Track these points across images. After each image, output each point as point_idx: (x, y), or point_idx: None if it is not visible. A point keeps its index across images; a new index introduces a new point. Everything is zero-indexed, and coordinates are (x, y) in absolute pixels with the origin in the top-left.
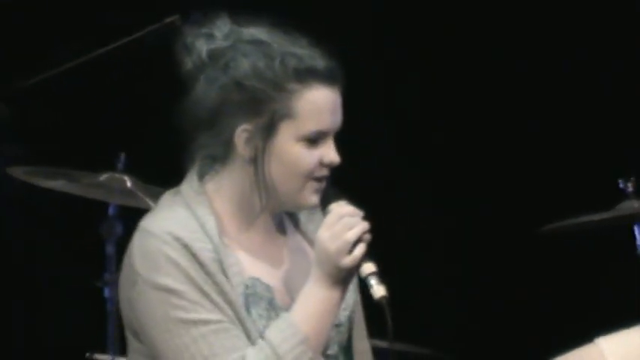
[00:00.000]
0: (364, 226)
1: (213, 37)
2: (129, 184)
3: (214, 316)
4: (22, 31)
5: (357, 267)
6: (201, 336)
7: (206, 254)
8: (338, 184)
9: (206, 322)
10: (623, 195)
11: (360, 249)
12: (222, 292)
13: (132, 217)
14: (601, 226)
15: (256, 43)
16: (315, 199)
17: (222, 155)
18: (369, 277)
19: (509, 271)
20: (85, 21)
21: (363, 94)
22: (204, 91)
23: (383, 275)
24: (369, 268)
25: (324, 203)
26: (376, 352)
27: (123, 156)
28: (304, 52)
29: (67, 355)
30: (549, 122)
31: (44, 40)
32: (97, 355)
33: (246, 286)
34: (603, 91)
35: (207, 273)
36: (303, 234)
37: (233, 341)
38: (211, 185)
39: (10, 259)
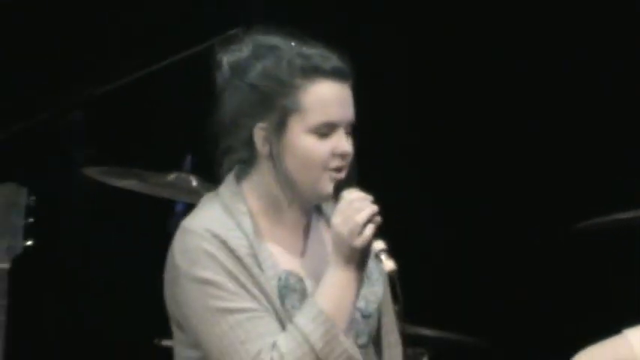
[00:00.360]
0: (373, 208)
1: (238, 51)
2: (194, 183)
3: (250, 304)
4: (96, 43)
5: (368, 246)
6: (237, 323)
7: (242, 249)
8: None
9: (242, 311)
10: None
11: (370, 229)
12: (257, 284)
13: None
14: (631, 223)
15: (270, 48)
16: (332, 188)
17: (248, 156)
18: (379, 254)
19: (542, 266)
20: (154, 32)
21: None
22: (228, 99)
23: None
24: (378, 245)
25: (337, 192)
26: (421, 339)
27: (189, 157)
28: (313, 52)
29: (136, 341)
30: (578, 124)
31: (116, 51)
32: (164, 341)
33: (280, 279)
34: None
35: (244, 266)
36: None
37: (267, 327)
38: (246, 185)
39: (84, 253)
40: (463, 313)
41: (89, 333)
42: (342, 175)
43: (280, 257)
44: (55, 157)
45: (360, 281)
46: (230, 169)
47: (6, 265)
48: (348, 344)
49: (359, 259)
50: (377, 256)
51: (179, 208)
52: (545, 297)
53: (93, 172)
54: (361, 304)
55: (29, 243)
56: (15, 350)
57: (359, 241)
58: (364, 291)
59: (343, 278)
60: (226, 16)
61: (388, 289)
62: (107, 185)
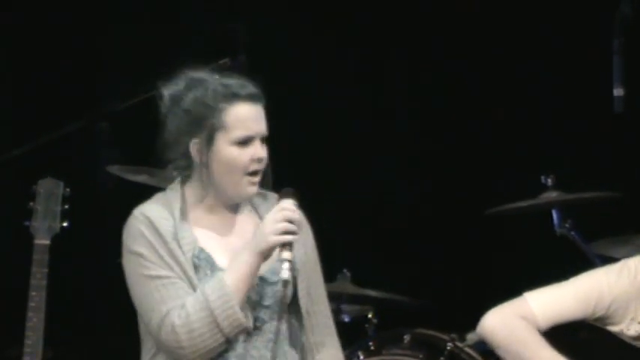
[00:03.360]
0: (292, 226)
1: (175, 85)
2: None
3: (166, 273)
4: (116, 73)
5: (278, 247)
6: (155, 287)
7: (166, 228)
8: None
9: (160, 277)
10: (544, 187)
11: (286, 237)
12: (173, 256)
13: None
14: (528, 210)
15: (199, 80)
16: (251, 190)
17: (187, 165)
18: (284, 262)
19: (462, 242)
20: (156, 62)
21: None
22: (169, 122)
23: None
24: (287, 255)
25: (283, 197)
26: (367, 299)
27: None
28: (232, 81)
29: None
30: (496, 130)
31: (130, 78)
32: None
33: (195, 254)
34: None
35: (164, 241)
36: (259, 214)
37: (178, 292)
38: (187, 186)
39: (108, 231)
40: (404, 279)
41: (108, 291)
42: (258, 178)
43: (201, 237)
44: (86, 157)
45: (259, 266)
46: (178, 173)
47: (47, 242)
48: (238, 311)
49: (266, 251)
50: (281, 262)
51: None
52: (468, 267)
53: (114, 169)
54: (267, 274)
55: (64, 224)
56: (52, 306)
57: (273, 239)
58: (272, 267)
59: (249, 260)
60: (216, 47)
61: (310, 273)
62: (124, 179)
